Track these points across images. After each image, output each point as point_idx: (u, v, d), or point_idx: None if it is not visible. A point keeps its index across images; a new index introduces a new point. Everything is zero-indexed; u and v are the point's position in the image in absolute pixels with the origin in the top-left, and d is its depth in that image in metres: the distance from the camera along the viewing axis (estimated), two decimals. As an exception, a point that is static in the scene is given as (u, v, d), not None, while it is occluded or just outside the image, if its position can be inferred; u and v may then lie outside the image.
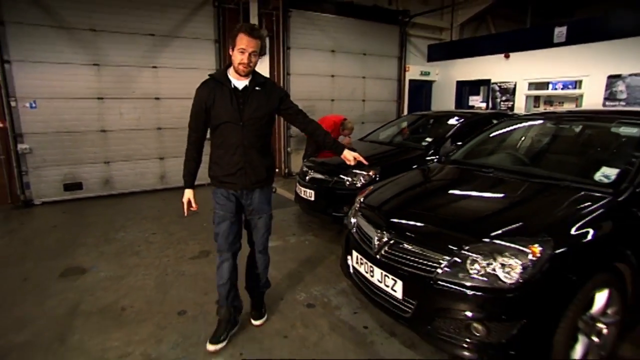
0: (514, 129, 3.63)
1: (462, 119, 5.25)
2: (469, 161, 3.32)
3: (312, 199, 4.55)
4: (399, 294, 2.24)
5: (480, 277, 1.97)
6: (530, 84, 8.13)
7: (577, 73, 7.22)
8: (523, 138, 3.55)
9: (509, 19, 11.09)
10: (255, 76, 2.35)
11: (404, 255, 2.27)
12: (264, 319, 2.74)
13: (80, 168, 6.14)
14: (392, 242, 2.36)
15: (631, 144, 2.63)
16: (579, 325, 2.08)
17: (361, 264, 2.58)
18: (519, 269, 1.91)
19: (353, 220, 2.89)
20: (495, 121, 4.08)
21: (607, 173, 2.48)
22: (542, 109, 8.11)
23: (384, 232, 2.44)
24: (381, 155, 4.83)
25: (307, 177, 4.73)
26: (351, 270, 2.76)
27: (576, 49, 7.19)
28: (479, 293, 1.96)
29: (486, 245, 2.04)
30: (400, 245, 2.31)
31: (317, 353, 2.41)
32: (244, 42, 2.19)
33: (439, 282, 2.07)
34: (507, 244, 2.00)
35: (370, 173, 4.28)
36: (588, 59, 7.01)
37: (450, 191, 2.93)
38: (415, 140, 5.30)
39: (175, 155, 6.52)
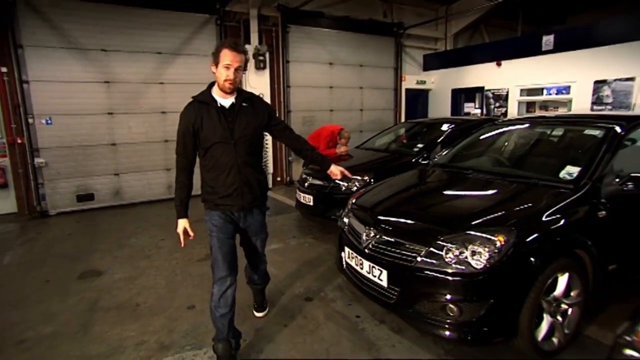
0: (495, 133, 3.91)
1: (453, 125, 5.54)
2: (452, 164, 3.61)
3: (311, 203, 4.85)
4: (384, 283, 2.52)
5: (454, 264, 2.25)
6: (522, 90, 8.42)
7: (565, 79, 7.50)
8: (502, 141, 3.84)
9: (502, 27, 11.42)
10: (240, 92, 2.30)
11: (389, 248, 2.55)
12: (266, 311, 2.96)
13: (92, 180, 6.47)
14: (378, 237, 2.64)
15: (593, 144, 2.90)
16: (544, 305, 2.34)
17: (352, 258, 2.85)
18: (486, 256, 2.19)
19: (345, 220, 3.18)
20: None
21: (570, 171, 2.76)
22: (537, 113, 8.38)
23: (372, 228, 2.72)
24: (375, 161, 5.13)
25: (306, 184, 5.03)
26: (344, 265, 3.03)
27: (564, 56, 7.49)
28: (453, 278, 2.23)
29: (459, 236, 2.31)
30: (385, 240, 2.59)
31: (313, 339, 2.68)
32: (228, 57, 2.13)
33: (418, 270, 2.34)
34: (477, 234, 2.28)
35: (365, 178, 4.57)
36: (575, 65, 7.29)
37: (433, 191, 3.22)
38: (408, 146, 5.59)
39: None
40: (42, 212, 6.11)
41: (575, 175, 2.71)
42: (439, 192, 3.19)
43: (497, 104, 8.87)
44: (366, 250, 2.69)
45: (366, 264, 2.67)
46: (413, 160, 4.91)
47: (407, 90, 10.09)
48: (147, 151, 6.81)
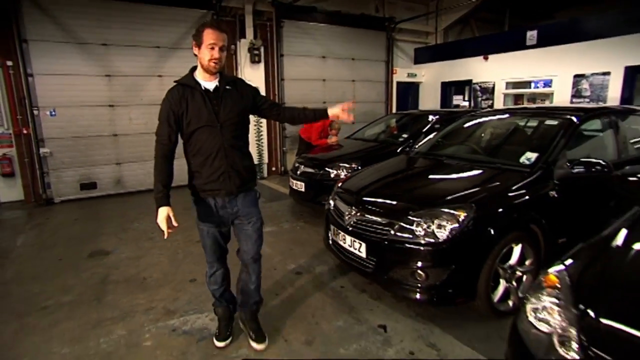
0: (470, 124, 4.25)
1: (437, 116, 5.88)
2: (430, 152, 3.95)
3: (303, 190, 5.19)
4: (363, 254, 2.88)
5: (422, 236, 2.60)
6: (507, 84, 8.77)
7: (548, 73, 7.84)
8: (475, 131, 4.19)
9: (491, 22, 11.71)
10: (223, 75, 2.23)
11: (367, 224, 2.90)
12: (266, 342, 2.49)
13: (95, 169, 6.78)
14: (359, 215, 3.00)
15: (551, 133, 3.26)
16: (500, 272, 2.71)
17: (337, 234, 3.21)
18: (449, 228, 2.55)
19: (332, 202, 3.52)
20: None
21: (529, 157, 3.11)
22: (515, 106, 8.71)
23: (354, 208, 3.08)
24: (363, 150, 5.47)
25: (299, 172, 5.37)
26: (330, 242, 3.39)
27: (546, 51, 7.83)
28: (421, 247, 2.59)
29: (427, 211, 2.67)
30: (365, 217, 2.95)
31: (301, 305, 3.03)
32: (212, 36, 2.06)
33: (391, 241, 2.70)
34: (442, 210, 2.63)
35: (353, 165, 4.91)
36: (556, 60, 7.63)
37: (410, 176, 3.57)
38: (394, 136, 5.94)
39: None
40: (47, 199, 6.42)
41: (533, 160, 3.07)
42: (415, 177, 3.54)
43: (484, 97, 9.21)
44: (348, 227, 3.04)
45: (348, 238, 3.02)
46: (399, 149, 5.24)
47: (398, 83, 10.40)
48: (147, 141, 7.09)
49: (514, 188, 2.83)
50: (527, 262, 2.82)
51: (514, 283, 2.77)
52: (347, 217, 3.09)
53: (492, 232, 2.62)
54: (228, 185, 2.24)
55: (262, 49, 7.76)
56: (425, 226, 2.62)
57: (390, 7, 9.88)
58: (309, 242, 4.41)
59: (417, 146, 4.26)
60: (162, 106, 2.17)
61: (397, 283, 2.70)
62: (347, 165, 4.90)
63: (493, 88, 8.96)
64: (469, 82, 9.48)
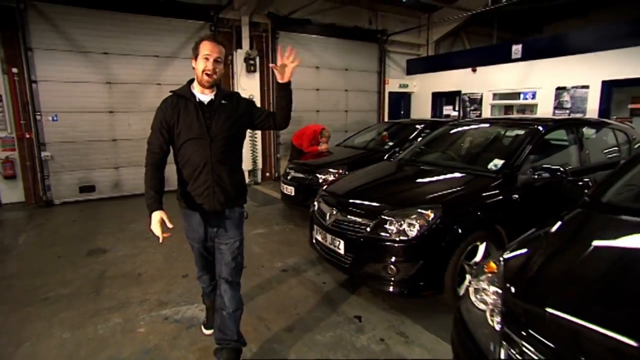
0: (449, 133, 4.53)
1: (423, 125, 6.17)
2: (410, 159, 4.22)
3: (293, 194, 5.45)
4: (342, 251, 3.13)
5: (394, 233, 2.86)
6: (494, 95, 9.10)
7: (532, 85, 8.18)
8: (453, 140, 4.47)
9: (482, 35, 12.09)
10: (220, 89, 2.21)
11: (346, 223, 3.16)
12: None
13: (94, 172, 7.01)
14: (339, 214, 3.25)
15: (517, 141, 3.54)
16: (466, 268, 2.96)
17: (319, 233, 3.46)
18: (418, 226, 2.80)
19: (316, 204, 3.78)
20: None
21: (496, 163, 3.39)
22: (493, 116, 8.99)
23: (334, 208, 3.33)
24: (351, 157, 5.74)
25: (289, 177, 5.63)
26: (314, 241, 3.63)
27: (530, 64, 8.17)
28: (392, 244, 2.85)
29: (399, 211, 2.93)
30: (344, 217, 3.20)
31: (285, 298, 3.27)
32: (207, 47, 2.08)
33: (366, 238, 2.96)
34: (413, 210, 2.89)
35: (340, 171, 5.18)
36: (540, 73, 7.97)
37: (388, 180, 3.82)
38: (382, 144, 6.21)
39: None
40: (47, 201, 6.63)
41: (499, 166, 3.35)
42: (393, 181, 3.80)
43: (473, 107, 9.53)
44: (330, 226, 3.29)
45: (329, 237, 3.28)
46: (385, 157, 5.51)
47: (390, 93, 10.73)
48: (144, 147, 7.21)
49: (480, 191, 3.11)
50: (492, 260, 3.06)
51: (479, 278, 3.01)
52: (328, 217, 3.35)
53: (459, 230, 2.88)
54: (211, 201, 2.17)
55: (257, 59, 8.07)
56: (397, 225, 2.87)
57: (383, 19, 10.25)
58: (297, 243, 4.65)
59: (399, 154, 4.53)
60: (156, 115, 2.16)
61: (371, 277, 2.95)
62: (335, 171, 5.17)
63: (481, 99, 9.28)
64: (458, 93, 9.81)
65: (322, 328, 2.81)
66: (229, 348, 2.25)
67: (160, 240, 2.12)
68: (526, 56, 8.25)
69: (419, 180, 3.63)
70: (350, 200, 3.34)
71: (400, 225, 2.86)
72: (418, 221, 2.82)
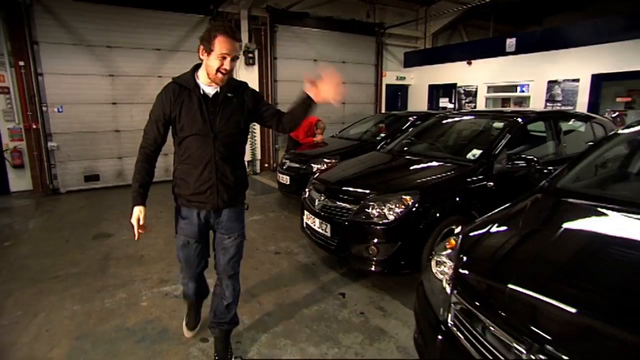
0: (436, 125, 4.75)
1: (415, 117, 6.38)
2: (397, 149, 4.45)
3: (288, 183, 5.70)
4: (328, 233, 3.38)
5: (376, 217, 3.11)
6: (489, 87, 9.27)
7: (525, 78, 8.34)
8: (439, 131, 4.69)
9: (480, 28, 12.19)
10: (228, 81, 2.04)
11: (333, 208, 3.41)
12: None
13: (98, 162, 7.29)
14: (326, 200, 3.50)
15: (495, 133, 3.76)
16: (442, 249, 3.20)
17: (309, 218, 3.71)
18: (397, 210, 3.05)
19: (307, 191, 4.02)
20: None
21: (475, 153, 3.62)
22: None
23: (322, 195, 3.58)
24: (344, 148, 5.97)
25: (285, 166, 5.88)
26: (304, 225, 3.89)
27: (523, 58, 8.33)
28: (374, 227, 3.10)
29: (381, 197, 3.17)
30: (332, 202, 3.45)
31: (276, 277, 3.54)
32: (226, 45, 1.88)
33: (351, 222, 3.21)
34: (392, 195, 3.13)
35: (334, 161, 5.40)
36: (533, 66, 8.13)
37: (375, 168, 4.06)
38: (374, 135, 6.44)
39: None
40: (54, 189, 6.92)
41: (477, 156, 3.58)
42: (380, 170, 4.03)
43: (468, 100, 9.71)
44: (318, 211, 3.54)
45: (317, 221, 3.53)
46: (378, 147, 5.74)
47: (387, 85, 10.91)
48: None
49: (457, 179, 3.34)
50: (467, 242, 3.31)
51: (455, 259, 3.26)
52: (317, 203, 3.60)
53: (436, 215, 3.13)
54: (215, 200, 2.09)
55: (256, 52, 8.27)
56: (378, 209, 3.12)
57: (380, 12, 10.38)
58: (290, 228, 4.91)
59: (388, 144, 4.76)
60: (156, 103, 2.04)
61: (355, 257, 3.21)
62: (329, 161, 5.40)
63: (476, 91, 9.45)
64: (454, 86, 9.98)
65: (308, 303, 3.08)
66: (223, 329, 2.32)
67: (136, 237, 2.10)
68: (520, 49, 8.41)
69: (404, 169, 3.86)
70: (338, 188, 3.58)
71: (381, 209, 3.11)
72: (397, 206, 3.07)
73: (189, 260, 2.26)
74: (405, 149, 4.46)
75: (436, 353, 1.73)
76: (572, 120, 4.50)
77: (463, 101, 9.80)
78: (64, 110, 6.83)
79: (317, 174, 4.20)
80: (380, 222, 3.07)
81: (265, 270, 3.68)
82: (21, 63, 6.45)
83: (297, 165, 5.69)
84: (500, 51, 8.75)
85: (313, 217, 3.61)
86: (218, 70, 1.93)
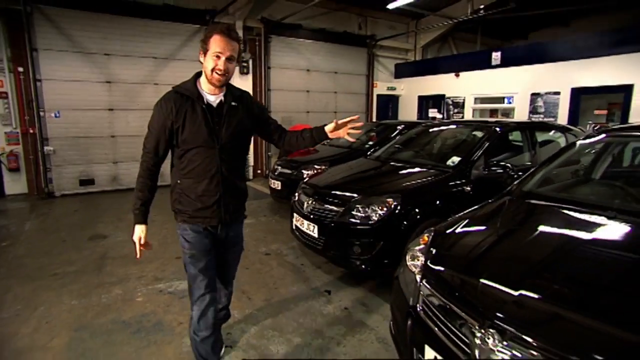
0: (420, 133, 5.00)
1: (403, 126, 6.63)
2: (382, 156, 4.68)
3: (279, 188, 5.89)
4: (316, 234, 3.57)
5: (360, 218, 3.31)
6: (475, 99, 9.60)
7: (509, 90, 8.68)
8: (423, 139, 4.93)
9: (468, 41, 12.61)
10: (230, 89, 2.01)
11: (320, 211, 3.61)
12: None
13: (93, 167, 7.42)
14: (315, 203, 3.70)
15: (475, 142, 4.00)
16: (422, 249, 3.41)
17: (298, 220, 3.90)
18: (380, 212, 3.26)
19: (297, 195, 4.22)
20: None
21: (454, 160, 3.85)
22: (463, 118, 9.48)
23: (311, 198, 3.78)
24: (335, 155, 6.18)
25: (277, 172, 6.08)
26: (294, 227, 4.08)
27: (508, 71, 8.68)
28: (358, 227, 3.29)
29: (364, 199, 3.38)
30: (320, 205, 3.65)
31: (266, 276, 3.71)
32: (219, 44, 1.82)
33: (337, 223, 3.40)
34: (376, 197, 3.34)
35: (324, 167, 5.62)
36: (517, 79, 8.48)
37: (362, 174, 4.27)
38: (363, 143, 6.67)
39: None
40: (49, 193, 7.03)
41: (456, 162, 3.81)
42: (366, 175, 4.25)
43: (456, 110, 10.03)
44: (306, 214, 3.74)
45: (305, 222, 3.72)
46: (367, 155, 5.97)
47: (378, 95, 11.21)
48: (142, 143, 7.74)
49: (437, 184, 3.57)
50: (446, 243, 3.52)
51: (434, 259, 3.47)
52: (305, 206, 3.79)
53: (416, 217, 3.34)
54: (221, 214, 2.03)
55: (250, 62, 8.52)
56: (362, 211, 3.33)
57: (372, 25, 10.73)
58: (281, 232, 5.09)
59: (375, 152, 4.99)
60: (155, 114, 1.93)
61: (339, 256, 3.41)
62: (319, 167, 5.61)
63: (463, 103, 9.78)
64: (442, 97, 10.30)
65: (296, 300, 3.26)
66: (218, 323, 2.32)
67: (138, 256, 2.05)
68: (505, 63, 8.76)
69: (389, 174, 4.08)
70: (326, 191, 3.79)
71: (366, 211, 3.32)
72: (380, 208, 3.28)
73: (207, 277, 2.07)
74: (391, 156, 4.69)
75: (406, 336, 1.92)
76: (552, 131, 4.78)
77: (451, 112, 10.12)
78: (60, 115, 6.98)
79: (305, 180, 4.40)
80: (365, 223, 3.28)
81: (255, 270, 3.86)
82: (20, 69, 6.61)
83: (288, 171, 5.89)
84: (487, 64, 9.10)
85: (302, 219, 3.80)
86: (213, 70, 1.87)
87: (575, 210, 2.18)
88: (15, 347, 2.56)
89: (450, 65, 10.18)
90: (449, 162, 3.88)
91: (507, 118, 8.98)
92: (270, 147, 9.38)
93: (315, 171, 5.56)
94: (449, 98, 10.14)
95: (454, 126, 5.11)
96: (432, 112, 10.89)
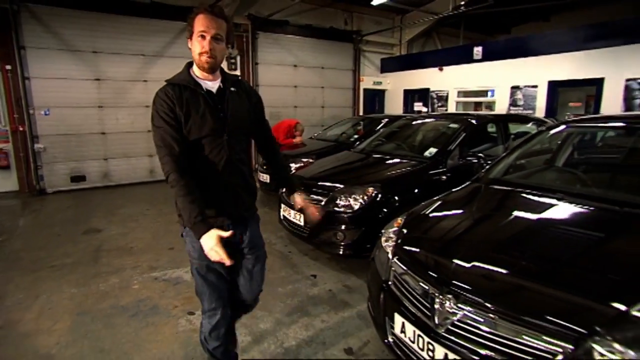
0: (402, 126, 5.24)
1: (387, 119, 6.87)
2: (365, 148, 4.91)
3: (268, 181, 6.09)
4: (302, 223, 3.79)
5: (342, 206, 3.54)
6: (459, 92, 9.87)
7: (491, 84, 8.97)
8: (404, 131, 5.18)
9: (452, 35, 12.86)
10: (225, 75, 1.86)
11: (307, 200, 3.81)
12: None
13: (84, 163, 7.52)
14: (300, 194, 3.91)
15: (451, 134, 4.25)
16: (401, 235, 3.66)
17: (285, 210, 4.12)
18: (361, 200, 3.49)
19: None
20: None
21: (431, 151, 4.10)
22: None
23: (297, 189, 3.99)
24: (322, 149, 6.40)
25: (265, 166, 6.27)
26: (282, 217, 4.29)
27: (489, 65, 8.95)
28: (341, 215, 3.52)
29: (348, 188, 3.61)
30: (306, 195, 3.84)
31: (256, 263, 3.92)
32: (203, 22, 1.67)
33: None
34: (357, 187, 3.57)
35: (310, 160, 5.83)
36: (498, 73, 8.76)
37: (346, 165, 4.50)
38: (349, 136, 6.91)
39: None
40: (40, 190, 7.12)
41: (433, 153, 4.06)
42: (350, 167, 4.48)
43: (440, 104, 10.30)
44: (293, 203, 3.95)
45: (292, 212, 3.94)
46: (351, 148, 6.19)
47: (365, 90, 11.43)
48: (132, 140, 7.88)
49: (415, 174, 3.81)
50: (424, 229, 3.78)
51: (413, 244, 3.72)
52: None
53: (395, 204, 3.57)
54: (237, 209, 1.84)
55: (238, 58, 8.65)
56: (345, 199, 3.56)
57: (358, 20, 10.91)
58: (270, 222, 5.28)
59: (359, 145, 5.22)
60: (156, 109, 1.72)
61: (324, 242, 3.63)
62: (306, 160, 5.82)
63: (447, 96, 10.05)
64: (427, 90, 10.56)
65: (284, 283, 3.48)
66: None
67: (229, 262, 1.61)
68: (486, 57, 9.03)
69: (371, 166, 4.31)
70: (312, 182, 4.01)
71: (348, 200, 3.55)
72: (361, 196, 3.51)
73: (218, 291, 1.88)
74: (375, 148, 4.92)
75: (379, 307, 2.15)
76: (530, 123, 5.06)
77: (436, 105, 10.39)
78: (50, 112, 7.06)
79: (293, 171, 4.61)
80: (347, 210, 3.50)
81: (245, 258, 4.06)
82: (8, 67, 6.66)
83: (276, 165, 6.08)
84: (469, 58, 9.37)
85: (289, 209, 4.02)
86: (200, 53, 1.71)
87: (534, 195, 2.43)
88: (21, 331, 2.74)
89: (434, 59, 10.42)
90: (427, 153, 4.13)
91: (490, 110, 9.30)
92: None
93: (302, 164, 5.77)
94: (433, 92, 10.39)
95: (433, 119, 5.35)
96: (418, 106, 11.15)
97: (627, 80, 6.52)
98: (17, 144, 6.96)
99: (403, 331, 1.92)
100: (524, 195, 2.45)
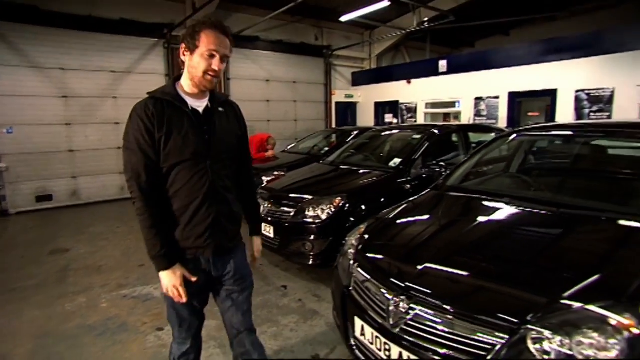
0: (369, 138, 5.41)
1: (357, 132, 7.05)
2: (333, 160, 5.04)
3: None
4: (272, 235, 3.85)
5: (310, 217, 3.62)
6: (426, 104, 10.23)
7: (456, 95, 9.35)
8: (371, 143, 5.35)
9: (419, 49, 13.36)
10: (213, 93, 1.70)
11: (276, 212, 3.89)
12: None
13: (51, 182, 7.32)
14: (271, 206, 3.98)
15: (415, 144, 4.44)
16: (369, 243, 3.77)
17: (256, 223, 4.16)
18: (328, 210, 3.59)
19: (255, 199, 4.48)
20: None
21: (396, 161, 4.26)
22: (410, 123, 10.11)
23: (267, 202, 4.06)
24: (293, 162, 6.49)
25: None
26: (253, 230, 4.33)
27: (454, 77, 9.35)
28: (309, 226, 3.61)
29: (314, 200, 3.70)
30: (276, 208, 3.94)
31: (228, 277, 3.93)
32: (214, 40, 1.53)
33: (290, 223, 3.70)
34: (324, 198, 3.68)
35: (282, 173, 5.91)
36: (462, 85, 9.15)
37: (314, 178, 4.60)
38: (321, 149, 7.04)
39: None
40: (2, 211, 6.87)
41: (397, 163, 4.22)
42: (319, 179, 4.58)
43: (409, 115, 10.63)
44: (264, 216, 4.01)
45: (263, 225, 3.99)
46: (321, 161, 6.32)
47: (337, 103, 11.67)
48: (102, 157, 7.75)
49: (380, 183, 3.95)
50: (390, 236, 3.90)
51: (381, 251, 3.84)
52: (262, 209, 4.06)
53: (362, 213, 3.68)
54: (217, 240, 1.67)
55: (209, 73, 8.68)
56: (313, 210, 3.65)
57: (328, 36, 11.19)
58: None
59: (328, 157, 5.35)
60: (131, 127, 1.56)
61: (294, 253, 3.70)
62: (277, 173, 5.89)
63: (416, 108, 10.39)
64: (396, 103, 10.88)
65: (255, 295, 3.38)
66: None
67: (184, 300, 1.61)
68: (451, 70, 9.44)
69: (338, 177, 4.43)
70: (282, 194, 4.08)
71: (315, 210, 3.64)
72: (328, 207, 3.61)
73: (190, 318, 1.76)
74: (344, 160, 5.05)
75: (342, 312, 2.24)
76: (493, 133, 5.33)
77: (405, 117, 10.72)
78: (13, 131, 6.87)
79: (262, 186, 4.68)
80: (315, 221, 3.59)
81: (217, 272, 4.07)
82: (-31, 86, 6.48)
83: (249, 178, 6.12)
84: (434, 71, 9.76)
85: (259, 221, 4.06)
86: (206, 72, 1.56)
87: (487, 200, 2.59)
88: (-21, 356, 2.66)
89: (402, 72, 10.79)
90: (391, 164, 4.29)
91: (458, 121, 9.67)
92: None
93: (274, 177, 5.84)
94: (402, 104, 10.72)
95: (399, 131, 5.56)
96: (388, 118, 11.47)
97: (577, 91, 6.98)
98: (-22, 164, 6.74)
99: (363, 334, 2.01)
100: (478, 200, 2.60)
